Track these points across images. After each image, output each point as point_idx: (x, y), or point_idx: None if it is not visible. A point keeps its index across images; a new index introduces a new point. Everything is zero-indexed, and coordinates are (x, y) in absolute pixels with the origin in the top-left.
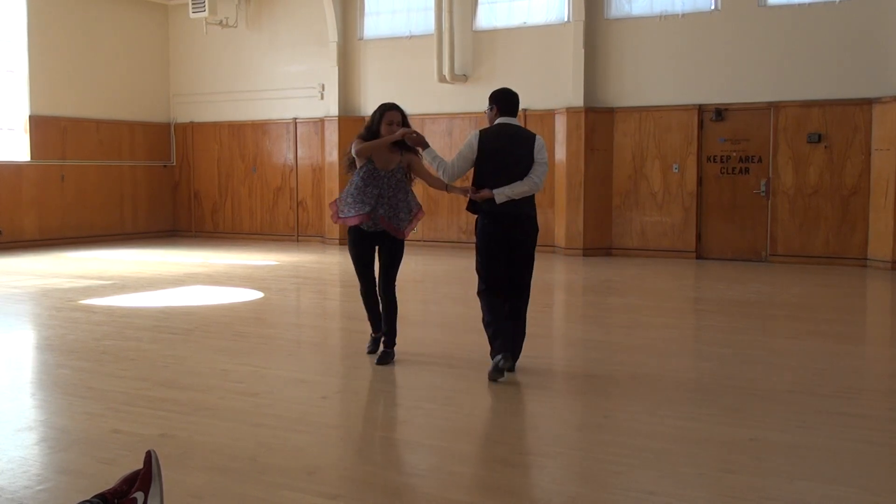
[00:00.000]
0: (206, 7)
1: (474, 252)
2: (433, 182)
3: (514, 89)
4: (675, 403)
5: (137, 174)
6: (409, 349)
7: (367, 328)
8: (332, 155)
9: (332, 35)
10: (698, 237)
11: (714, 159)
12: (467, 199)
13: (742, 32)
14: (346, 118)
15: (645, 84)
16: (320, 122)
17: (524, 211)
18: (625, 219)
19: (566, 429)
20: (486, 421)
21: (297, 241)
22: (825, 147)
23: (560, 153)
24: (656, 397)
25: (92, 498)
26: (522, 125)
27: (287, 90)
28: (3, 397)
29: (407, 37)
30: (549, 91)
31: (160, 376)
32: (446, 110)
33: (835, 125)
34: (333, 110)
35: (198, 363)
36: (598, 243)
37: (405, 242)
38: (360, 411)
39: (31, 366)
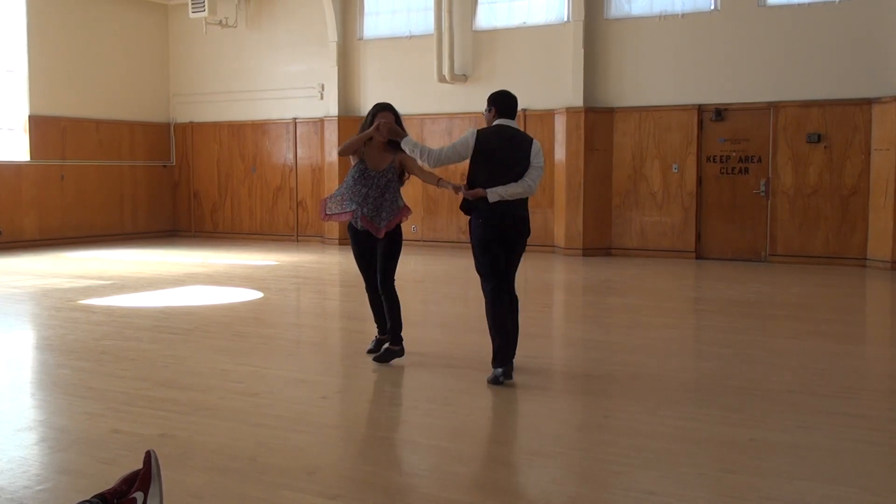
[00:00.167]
0: (206, 7)
1: (472, 254)
2: (426, 177)
3: (514, 89)
4: (675, 403)
5: (137, 174)
6: (410, 349)
7: (368, 328)
8: (332, 155)
9: (332, 35)
10: (698, 237)
11: (714, 159)
12: (461, 197)
13: (742, 32)
14: (346, 118)
15: (645, 84)
16: (320, 122)
17: (518, 213)
18: (624, 219)
19: (566, 429)
20: (486, 421)
21: (297, 241)
22: (825, 147)
23: (560, 153)
24: (656, 397)
25: (91, 498)
26: (521, 126)
27: (287, 90)
28: (3, 397)
29: (407, 37)
30: (549, 91)
31: (160, 376)
32: (446, 110)
33: (834, 125)
34: (333, 110)
35: (198, 363)
36: (598, 243)
37: (403, 239)
38: (360, 411)
39: (31, 366)
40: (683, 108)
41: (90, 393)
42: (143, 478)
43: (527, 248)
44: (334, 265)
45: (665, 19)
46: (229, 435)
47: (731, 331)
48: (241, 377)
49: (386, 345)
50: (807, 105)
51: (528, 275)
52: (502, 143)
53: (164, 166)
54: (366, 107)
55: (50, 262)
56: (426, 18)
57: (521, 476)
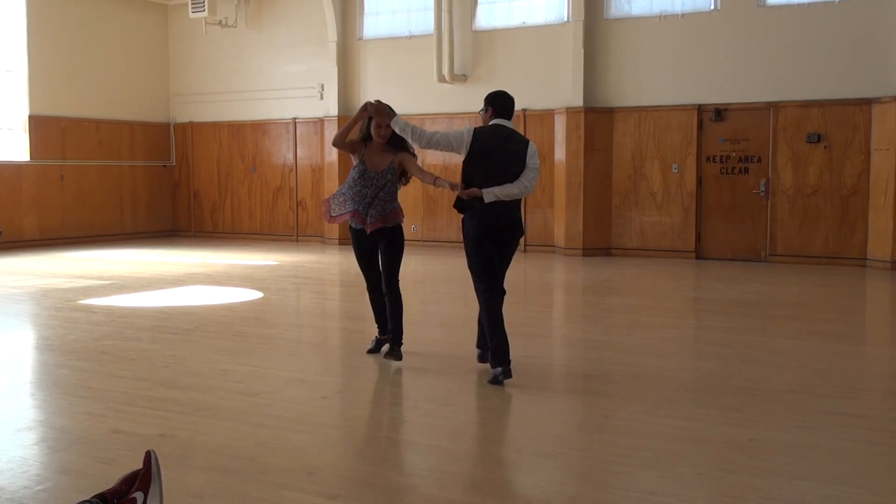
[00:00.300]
0: (206, 7)
1: (465, 252)
2: (425, 177)
3: (513, 89)
4: (675, 403)
5: (137, 174)
6: (410, 349)
7: (368, 328)
8: (332, 155)
9: (332, 35)
10: (698, 237)
11: (714, 159)
12: (455, 195)
13: (742, 32)
14: (346, 118)
15: (644, 84)
16: (320, 122)
17: (511, 213)
18: (624, 219)
19: (566, 429)
20: (486, 421)
21: (297, 241)
22: (825, 147)
23: (560, 153)
24: (656, 397)
25: (91, 498)
26: (521, 126)
27: (287, 90)
28: (3, 397)
29: (406, 37)
30: (549, 91)
31: (160, 376)
32: (446, 110)
33: (834, 125)
34: (333, 110)
35: (198, 363)
36: (598, 243)
37: (405, 239)
38: (360, 411)
39: (31, 366)
40: (683, 108)
41: (90, 393)
42: (143, 478)
43: (527, 248)
44: (334, 265)
45: (665, 19)
46: (229, 435)
47: (731, 331)
48: (241, 377)
49: (386, 345)
50: (807, 105)
51: (528, 275)
52: (498, 143)
53: (164, 166)
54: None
55: (50, 262)
56: (426, 18)
57: (521, 476)
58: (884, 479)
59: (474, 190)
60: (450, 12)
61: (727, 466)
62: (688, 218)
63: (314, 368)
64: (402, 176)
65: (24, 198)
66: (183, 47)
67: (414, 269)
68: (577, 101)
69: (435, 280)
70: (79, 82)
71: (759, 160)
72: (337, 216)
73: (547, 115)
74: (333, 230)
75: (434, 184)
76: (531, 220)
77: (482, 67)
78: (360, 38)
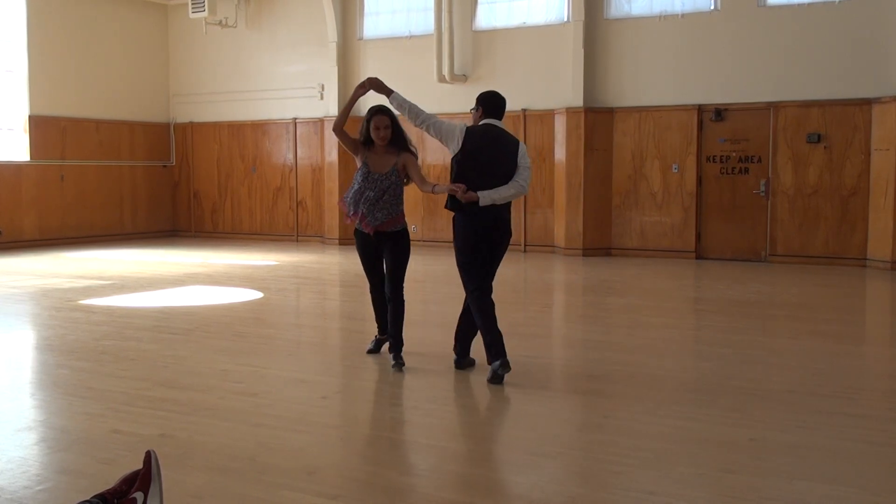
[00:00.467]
0: (206, 7)
1: (455, 252)
2: (423, 186)
3: (513, 89)
4: (675, 403)
5: (137, 174)
6: (410, 349)
7: (368, 328)
8: (332, 155)
9: (332, 35)
10: (698, 237)
11: (714, 159)
12: (446, 195)
13: (742, 32)
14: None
15: (644, 84)
16: (320, 123)
17: (502, 214)
18: (624, 219)
19: (566, 429)
20: (485, 421)
21: (297, 241)
22: (825, 147)
23: (560, 153)
24: (656, 397)
25: (91, 498)
26: (521, 126)
27: (287, 90)
28: (3, 397)
29: (407, 37)
30: (549, 91)
31: (160, 376)
32: (446, 110)
33: (834, 125)
34: (333, 110)
35: (198, 363)
36: (598, 243)
37: (410, 244)
38: (360, 411)
39: (31, 366)
40: (683, 108)
41: (90, 393)
42: (144, 478)
43: (527, 248)
44: (334, 265)
45: (665, 19)
46: (229, 435)
47: (731, 331)
48: (241, 377)
49: (386, 344)
50: (807, 105)
51: (528, 275)
52: (489, 143)
53: (164, 166)
54: (365, 107)
55: (50, 262)
56: (426, 18)
57: (521, 476)
58: (884, 479)
59: (472, 194)
60: (450, 12)
61: (727, 466)
62: (688, 218)
63: (314, 368)
64: (406, 177)
65: (24, 198)
66: (183, 47)
67: (414, 269)
68: (577, 101)
69: (435, 280)
70: (79, 82)
71: (760, 160)
72: (352, 215)
73: (547, 115)
74: (333, 230)
75: (433, 191)
76: (531, 220)
77: (482, 67)
78: (360, 38)
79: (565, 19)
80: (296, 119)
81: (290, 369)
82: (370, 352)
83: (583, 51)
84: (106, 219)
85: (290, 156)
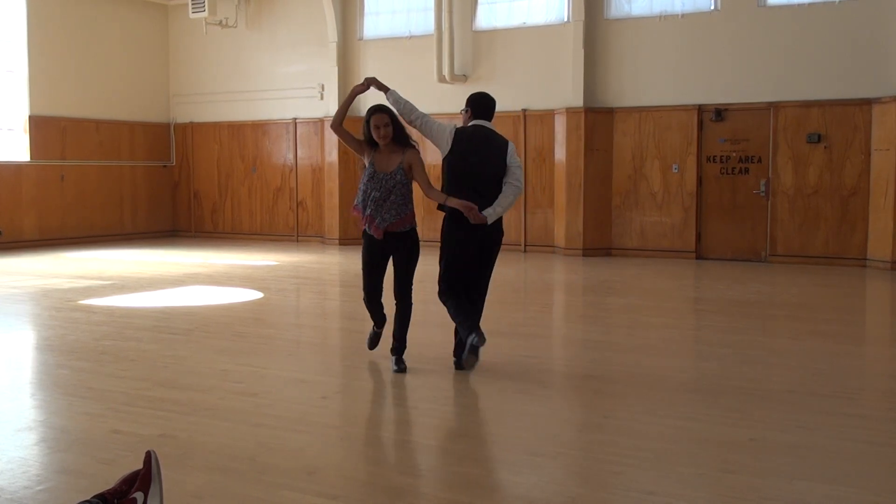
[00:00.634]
0: (206, 7)
1: (441, 252)
2: (430, 192)
3: (513, 89)
4: (675, 403)
5: (137, 174)
6: (410, 349)
7: (368, 327)
8: (332, 155)
9: (332, 35)
10: (698, 237)
11: (714, 159)
12: (437, 203)
13: (742, 32)
14: (347, 118)
15: (645, 84)
16: (320, 123)
17: (497, 221)
18: (624, 219)
19: (566, 429)
20: (486, 421)
21: (297, 241)
22: (825, 147)
23: (560, 153)
24: (656, 397)
25: (92, 498)
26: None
27: (287, 90)
28: (3, 397)
29: (407, 37)
30: (549, 91)
31: (160, 376)
32: (446, 110)
33: (835, 125)
34: (333, 110)
35: (198, 363)
36: (598, 243)
37: (421, 247)
38: (360, 411)
39: (31, 366)
40: (683, 108)
41: (90, 393)
42: (144, 478)
43: (527, 248)
44: (334, 265)
45: (665, 19)
46: (229, 435)
47: (731, 331)
48: (241, 377)
49: (392, 356)
50: (807, 105)
51: (528, 275)
52: (478, 144)
53: (164, 166)
54: (365, 107)
55: (50, 262)
56: (426, 18)
57: (521, 476)
58: (884, 479)
59: (482, 217)
60: (450, 12)
61: (727, 466)
62: (688, 218)
63: (314, 368)
64: (406, 178)
65: (24, 198)
66: (183, 47)
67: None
68: (577, 101)
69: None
70: (79, 82)
71: (760, 160)
72: (364, 217)
73: (547, 116)
74: (333, 230)
75: (445, 203)
76: (531, 220)
77: (482, 67)
78: (361, 39)
79: (565, 19)
80: (296, 119)
81: (290, 369)
82: (371, 347)
83: (583, 51)
84: (106, 219)
85: (291, 156)
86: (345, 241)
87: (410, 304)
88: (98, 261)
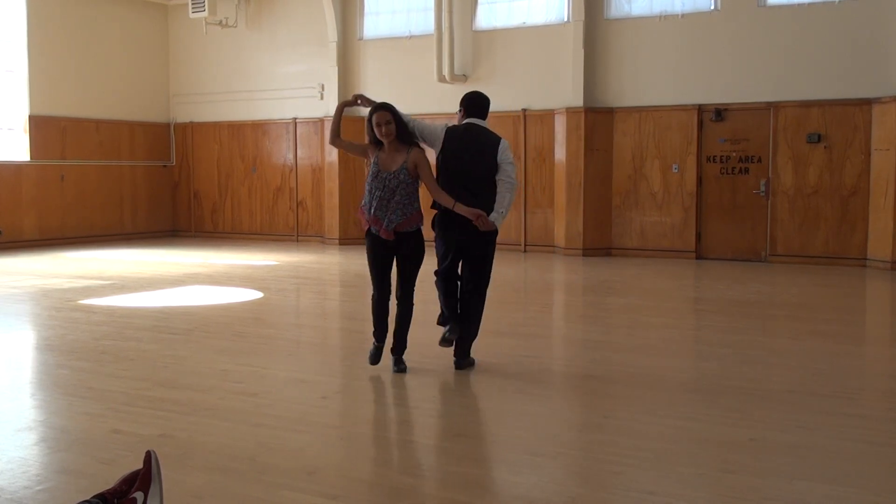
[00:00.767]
0: (206, 7)
1: (435, 241)
2: (437, 194)
3: (513, 89)
4: (675, 403)
5: (137, 174)
6: (410, 349)
7: (368, 328)
8: (332, 155)
9: (332, 35)
10: (698, 237)
11: (714, 159)
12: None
13: (742, 32)
14: (346, 118)
15: (645, 84)
16: (320, 123)
17: (484, 210)
18: (624, 219)
19: (566, 429)
20: (486, 421)
21: (297, 241)
22: (825, 147)
23: (560, 153)
24: (656, 397)
25: (92, 498)
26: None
27: (287, 90)
28: (3, 397)
29: (407, 37)
30: (549, 91)
31: (160, 376)
32: (446, 110)
33: (834, 125)
34: (333, 110)
35: (198, 363)
36: (598, 243)
37: (425, 248)
38: (360, 411)
39: (31, 366)
40: (683, 108)
41: (90, 393)
42: (144, 478)
43: (527, 248)
44: (334, 265)
45: (665, 19)
46: (229, 435)
47: (731, 331)
48: (241, 377)
49: (392, 357)
50: (807, 105)
51: (528, 275)
52: (468, 141)
53: (164, 166)
54: (365, 107)
55: (50, 262)
56: (426, 18)
57: (521, 476)
58: (884, 479)
59: (489, 223)
60: (450, 12)
61: (727, 466)
62: (688, 218)
63: (314, 368)
64: (417, 176)
65: (24, 198)
66: (183, 47)
67: None
68: (578, 101)
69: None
70: (79, 82)
71: (760, 160)
72: (368, 218)
73: (547, 115)
74: (333, 230)
75: (453, 208)
76: (531, 220)
77: (482, 67)
78: (361, 38)
79: (565, 19)
80: (296, 119)
81: (290, 369)
82: (373, 363)
83: (583, 51)
84: (106, 219)
85: (290, 156)
86: (345, 241)
87: (412, 304)
88: (98, 261)
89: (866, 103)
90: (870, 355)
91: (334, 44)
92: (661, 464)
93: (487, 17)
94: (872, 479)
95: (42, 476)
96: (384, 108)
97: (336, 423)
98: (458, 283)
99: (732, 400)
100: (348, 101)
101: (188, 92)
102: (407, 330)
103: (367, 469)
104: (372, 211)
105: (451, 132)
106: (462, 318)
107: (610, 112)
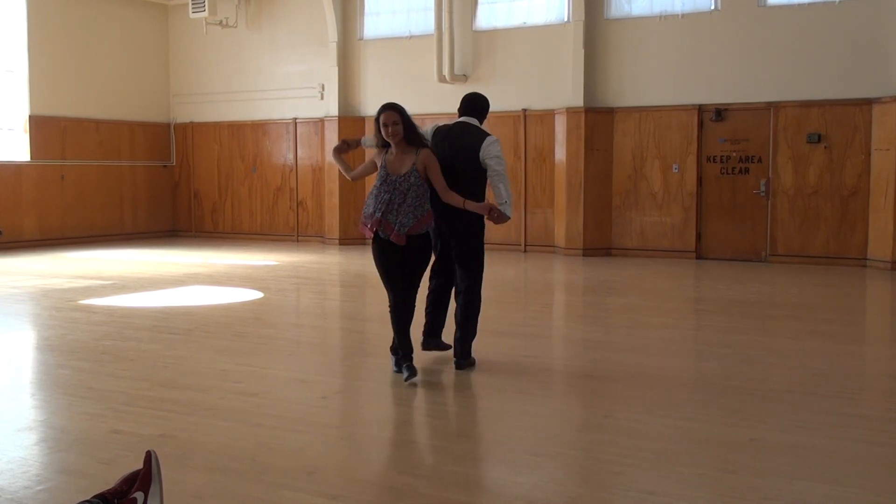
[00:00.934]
0: (206, 7)
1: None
2: (447, 195)
3: (513, 89)
4: (675, 403)
5: (137, 174)
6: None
7: (368, 328)
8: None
9: (332, 35)
10: (698, 237)
11: (714, 159)
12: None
13: (742, 32)
14: (346, 118)
15: (645, 84)
16: (320, 123)
17: (455, 214)
18: (625, 219)
19: (566, 429)
20: (486, 421)
21: (297, 241)
22: (825, 147)
23: (560, 153)
24: (656, 397)
25: (92, 498)
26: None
27: (287, 90)
28: (3, 397)
29: (407, 37)
30: (549, 91)
31: (160, 376)
32: (446, 110)
33: (835, 125)
34: (333, 110)
35: (198, 363)
36: (598, 243)
37: (431, 251)
38: (360, 411)
39: (31, 366)
40: (683, 108)
41: (90, 393)
42: (144, 478)
43: (527, 248)
44: (334, 265)
45: (665, 19)
46: (229, 435)
47: (731, 331)
48: (241, 377)
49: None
50: (807, 105)
51: (528, 275)
52: (452, 139)
53: (164, 166)
54: (365, 107)
55: (50, 262)
56: (426, 18)
57: (521, 476)
58: (884, 479)
59: (503, 216)
60: (450, 12)
61: (727, 466)
62: (688, 218)
63: (314, 368)
64: (421, 180)
65: (24, 198)
66: (183, 47)
67: None
68: (578, 101)
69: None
70: (79, 82)
71: (760, 160)
72: (372, 223)
73: (547, 115)
74: (333, 230)
75: (464, 206)
76: (531, 220)
77: (482, 67)
78: (361, 39)
79: (565, 19)
80: (296, 119)
81: (290, 369)
82: (397, 370)
83: (583, 51)
84: (106, 219)
85: (291, 156)
86: (345, 241)
87: (413, 305)
88: (98, 261)
89: (866, 103)
90: (870, 355)
91: (334, 44)
92: (661, 464)
93: (487, 17)
94: (872, 479)
95: (42, 476)
96: (392, 108)
97: (336, 423)
98: (450, 295)
99: (732, 400)
100: (339, 147)
101: (188, 92)
102: (405, 336)
103: (367, 469)
104: (380, 215)
105: (437, 131)
106: (458, 319)
107: (610, 112)
